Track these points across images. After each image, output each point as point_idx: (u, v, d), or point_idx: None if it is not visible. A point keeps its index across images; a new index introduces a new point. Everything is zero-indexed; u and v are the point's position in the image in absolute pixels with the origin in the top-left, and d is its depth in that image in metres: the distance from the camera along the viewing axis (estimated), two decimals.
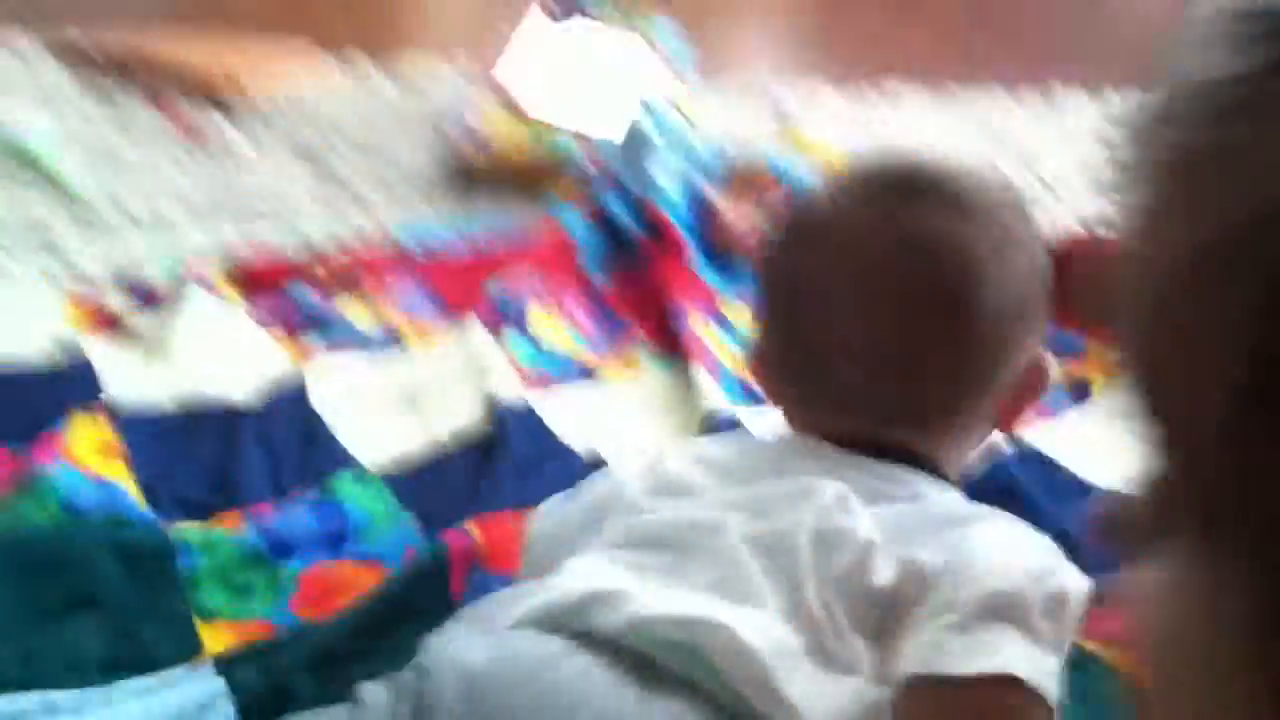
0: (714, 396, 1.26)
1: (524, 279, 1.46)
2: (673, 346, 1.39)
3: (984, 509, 0.84)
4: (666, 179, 1.63)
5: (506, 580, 1.02)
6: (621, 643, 0.74)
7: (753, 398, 1.29)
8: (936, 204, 0.86)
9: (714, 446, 0.92)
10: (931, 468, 0.87)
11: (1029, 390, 0.89)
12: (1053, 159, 1.92)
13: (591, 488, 0.94)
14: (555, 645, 0.74)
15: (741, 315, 1.47)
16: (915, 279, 0.85)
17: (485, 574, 1.04)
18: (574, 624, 0.75)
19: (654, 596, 0.75)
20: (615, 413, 1.30)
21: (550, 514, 0.98)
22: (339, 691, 0.92)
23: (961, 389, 0.87)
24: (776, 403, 0.94)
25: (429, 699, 0.74)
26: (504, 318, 1.39)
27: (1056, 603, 0.75)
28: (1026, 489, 1.16)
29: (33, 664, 0.95)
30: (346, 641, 0.97)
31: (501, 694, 0.72)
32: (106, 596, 1.01)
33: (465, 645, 0.76)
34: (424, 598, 1.01)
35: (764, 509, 0.80)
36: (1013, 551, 0.79)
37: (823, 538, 0.77)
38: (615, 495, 0.90)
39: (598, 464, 1.19)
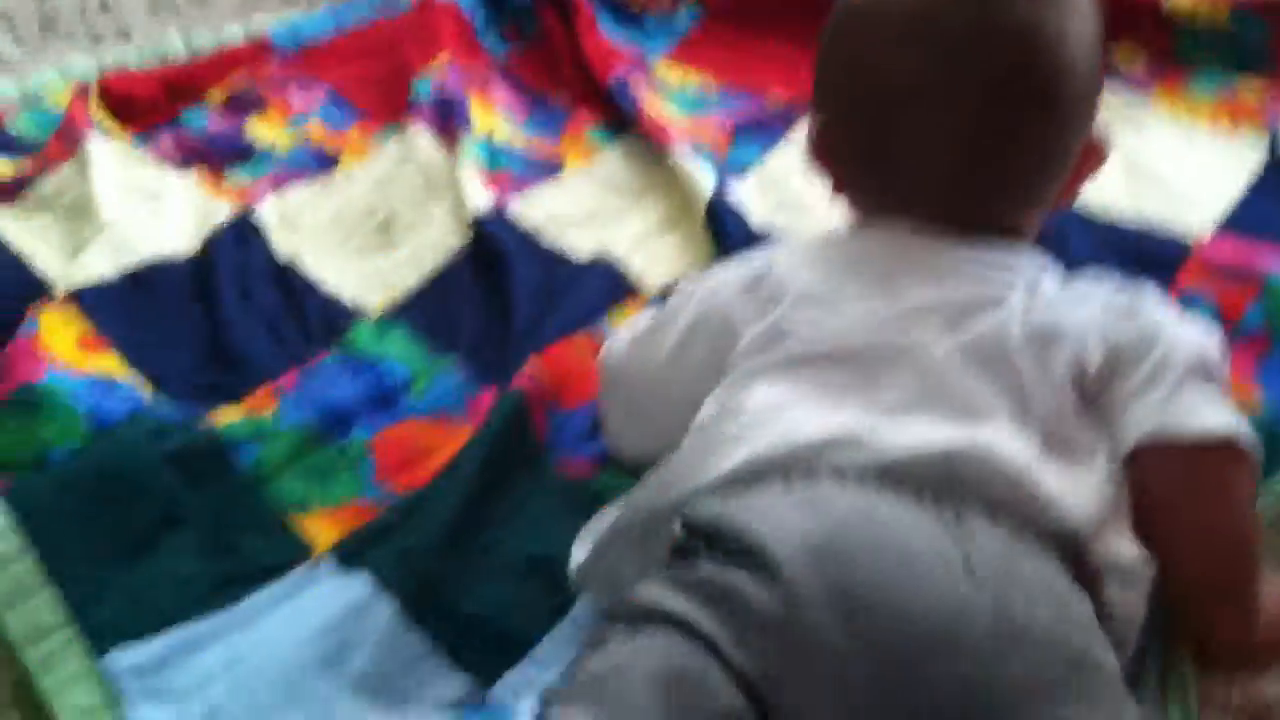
0: (703, 177, 1.22)
1: (447, 72, 1.37)
2: (620, 123, 1.34)
3: (1106, 277, 0.88)
4: None
5: (584, 415, 1.01)
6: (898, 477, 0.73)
7: (725, 169, 1.27)
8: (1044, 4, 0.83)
9: (820, 249, 0.90)
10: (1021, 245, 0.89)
11: (1089, 165, 0.90)
12: None
13: (687, 308, 0.91)
14: (870, 496, 0.71)
15: (673, 73, 1.43)
16: (1003, 65, 0.83)
17: (560, 412, 1.01)
18: (819, 463, 0.74)
19: (894, 433, 0.75)
20: (601, 207, 1.25)
21: (639, 343, 0.95)
22: (482, 566, 0.91)
23: (1047, 170, 0.88)
24: (844, 191, 0.92)
25: (788, 586, 0.67)
26: (450, 121, 1.31)
27: (1222, 362, 0.81)
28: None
29: (146, 603, 0.89)
30: (464, 510, 0.93)
31: (858, 561, 0.68)
32: (186, 513, 0.94)
33: (788, 516, 0.70)
34: (516, 450, 0.98)
35: (954, 315, 0.81)
36: (1178, 317, 0.83)
37: (1036, 335, 0.79)
38: (729, 315, 0.88)
39: (615, 269, 1.16)
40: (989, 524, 0.71)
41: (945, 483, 0.72)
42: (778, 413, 0.79)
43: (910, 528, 0.69)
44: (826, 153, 0.93)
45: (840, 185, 0.93)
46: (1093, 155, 0.89)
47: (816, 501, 0.71)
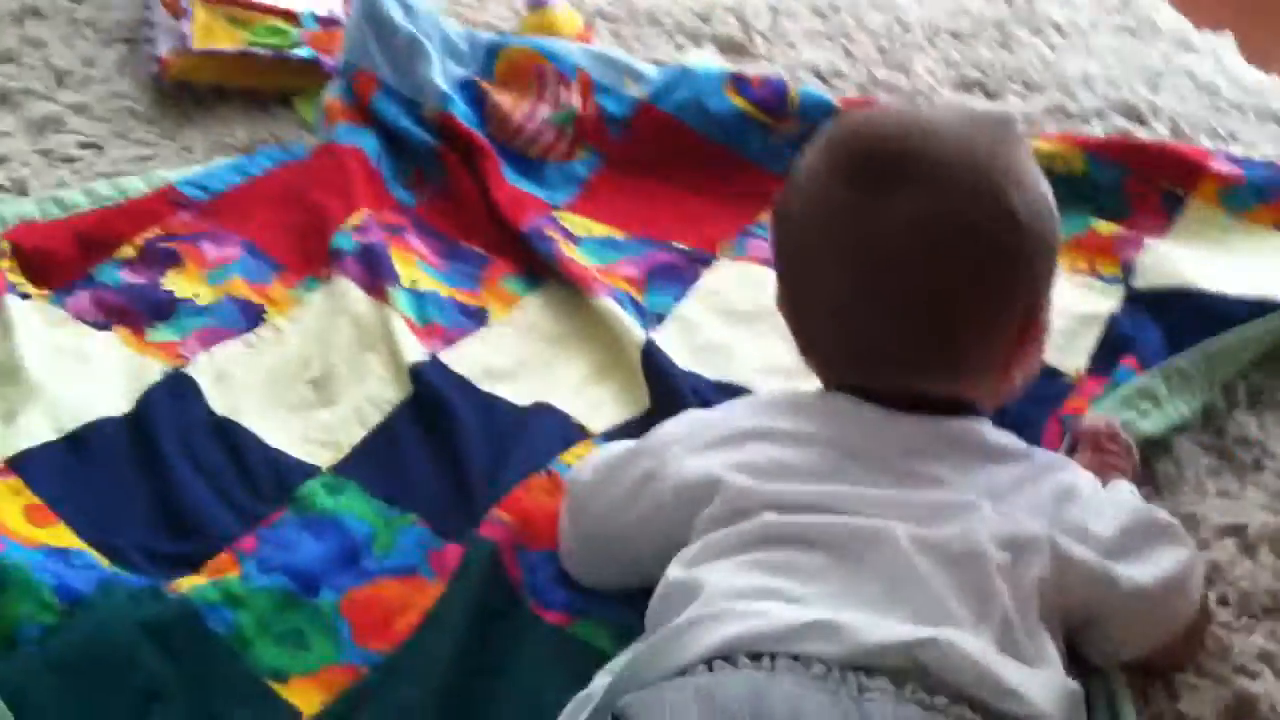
0: (631, 325, 1.28)
1: (365, 223, 1.40)
2: (536, 271, 1.39)
3: (1040, 455, 0.98)
4: (437, 75, 1.59)
5: (549, 557, 1.05)
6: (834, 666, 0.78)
7: (643, 315, 1.33)
8: (923, 187, 0.91)
9: (787, 417, 0.96)
10: (968, 407, 0.97)
11: (1027, 338, 0.98)
12: None
13: (653, 455, 0.98)
14: (770, 685, 0.77)
15: (577, 221, 1.48)
16: (918, 262, 0.91)
17: (530, 554, 1.05)
18: (786, 651, 0.79)
19: (865, 624, 0.80)
20: (532, 357, 1.29)
21: (605, 495, 1.01)
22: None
23: (961, 344, 0.95)
24: (806, 354, 1.01)
25: None
26: (375, 272, 1.34)
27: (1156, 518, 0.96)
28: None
29: None
30: (452, 664, 0.96)
31: None
32: (169, 686, 0.95)
33: (686, 711, 0.76)
34: (494, 598, 1.01)
35: (923, 514, 0.88)
36: (1094, 489, 0.95)
37: (1006, 546, 0.86)
38: (697, 475, 0.93)
39: (561, 414, 1.21)
40: (892, 704, 0.76)
41: (913, 674, 0.78)
42: (749, 598, 0.84)
43: (805, 716, 0.75)
44: (786, 314, 1.00)
45: (805, 351, 1.00)
46: (1030, 328, 0.97)
47: (710, 693, 0.76)
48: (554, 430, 1.18)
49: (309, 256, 1.39)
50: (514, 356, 1.29)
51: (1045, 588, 0.86)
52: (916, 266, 0.91)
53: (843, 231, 0.93)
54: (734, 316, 1.34)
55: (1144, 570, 0.91)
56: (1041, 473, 0.94)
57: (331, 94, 1.60)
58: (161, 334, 1.30)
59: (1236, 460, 1.14)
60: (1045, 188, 0.96)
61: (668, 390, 1.21)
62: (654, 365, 1.23)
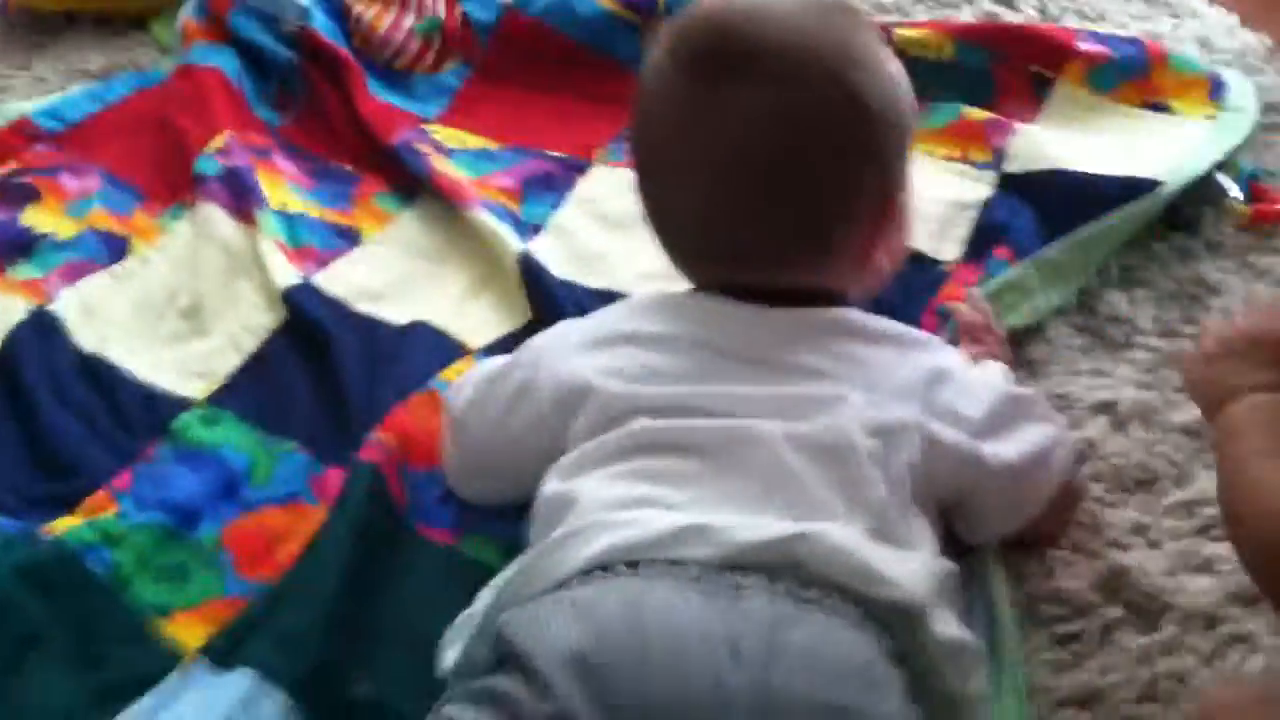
0: (507, 235, 1.26)
1: (229, 146, 1.36)
2: (408, 187, 1.37)
3: (911, 336, 0.97)
4: None
5: (433, 475, 1.04)
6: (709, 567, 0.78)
7: (520, 226, 1.31)
8: (770, 77, 0.90)
9: (659, 319, 0.95)
10: (838, 297, 0.97)
11: (884, 225, 0.96)
12: None
13: (529, 364, 0.97)
14: (643, 594, 0.76)
15: (449, 134, 1.46)
16: (765, 152, 0.90)
17: (414, 473, 1.04)
18: (662, 557, 0.78)
19: (738, 524, 0.80)
20: (409, 274, 1.27)
21: (483, 411, 1.00)
22: (366, 646, 0.93)
23: (809, 229, 0.94)
24: (672, 256, 0.99)
25: (554, 698, 0.72)
26: (242, 196, 1.30)
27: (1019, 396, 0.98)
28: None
29: None
30: (337, 590, 0.94)
31: (620, 668, 0.73)
32: (47, 629, 0.93)
33: (557, 626, 0.75)
34: (378, 520, 1.00)
35: (793, 408, 0.87)
36: (965, 371, 0.96)
37: (876, 434, 0.86)
38: (571, 381, 0.93)
39: (437, 332, 1.19)
40: (767, 599, 0.77)
41: (788, 569, 0.78)
42: (625, 508, 0.83)
43: (677, 623, 0.75)
44: (648, 217, 0.99)
45: (668, 250, 0.99)
46: (889, 211, 0.96)
47: (587, 606, 0.76)
48: (433, 348, 1.17)
49: (172, 183, 1.36)
50: (390, 275, 1.27)
51: (916, 472, 0.87)
52: (768, 158, 0.90)
53: (693, 127, 0.91)
54: (611, 223, 1.32)
55: (1009, 447, 0.92)
56: (913, 354, 0.94)
57: (186, 14, 1.56)
58: (23, 271, 1.27)
59: (1107, 338, 1.15)
60: (895, 70, 0.95)
61: (547, 301, 1.20)
62: (532, 276, 1.22)
